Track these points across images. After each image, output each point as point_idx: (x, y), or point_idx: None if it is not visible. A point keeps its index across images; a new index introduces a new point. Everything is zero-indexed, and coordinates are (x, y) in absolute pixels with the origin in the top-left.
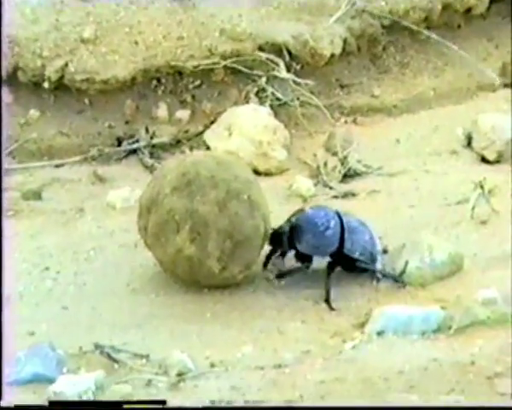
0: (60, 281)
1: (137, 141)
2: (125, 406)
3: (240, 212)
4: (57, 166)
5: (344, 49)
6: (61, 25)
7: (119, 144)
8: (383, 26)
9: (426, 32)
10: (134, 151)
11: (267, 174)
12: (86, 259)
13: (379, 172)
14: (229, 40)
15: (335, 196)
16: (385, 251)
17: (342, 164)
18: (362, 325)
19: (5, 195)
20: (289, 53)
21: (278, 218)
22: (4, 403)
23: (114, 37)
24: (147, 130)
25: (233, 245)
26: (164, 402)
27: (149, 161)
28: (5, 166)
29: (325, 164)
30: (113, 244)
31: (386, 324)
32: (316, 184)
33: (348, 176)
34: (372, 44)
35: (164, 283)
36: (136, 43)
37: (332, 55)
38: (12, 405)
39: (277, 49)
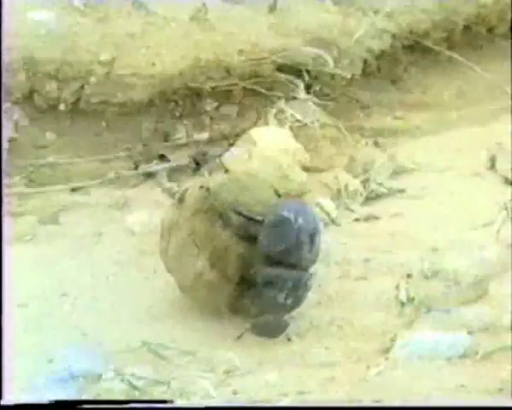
0: (78, 307)
1: (156, 164)
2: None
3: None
4: (74, 189)
5: (364, 69)
6: (77, 47)
7: (137, 167)
8: (404, 47)
9: (447, 53)
10: (152, 174)
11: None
12: (105, 284)
13: (401, 195)
14: (248, 61)
15: (357, 219)
16: (409, 275)
17: (364, 186)
18: (387, 351)
19: (22, 219)
20: (309, 74)
21: None
22: (4, 402)
23: (131, 58)
24: (161, 156)
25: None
26: (165, 402)
27: (168, 184)
28: (20, 189)
29: (346, 187)
30: (133, 269)
31: (412, 349)
32: (337, 207)
33: (370, 199)
34: (392, 65)
35: (184, 308)
36: (154, 64)
37: (352, 76)
38: (12, 403)
39: (297, 70)
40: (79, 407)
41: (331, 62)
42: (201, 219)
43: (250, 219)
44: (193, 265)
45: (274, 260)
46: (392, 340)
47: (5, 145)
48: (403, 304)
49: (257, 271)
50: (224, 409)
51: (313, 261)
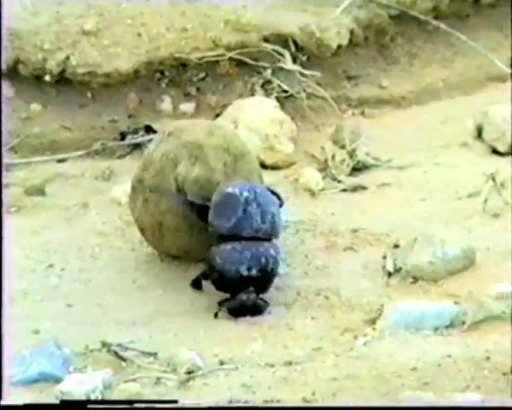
0: (65, 278)
1: (141, 135)
2: (137, 405)
3: (228, 133)
4: (60, 160)
5: (351, 39)
6: (62, 17)
7: (123, 138)
8: (390, 17)
9: (434, 22)
10: (138, 145)
11: (274, 168)
12: (91, 255)
13: (388, 165)
14: (234, 31)
15: (344, 190)
16: (396, 245)
17: (351, 157)
18: (373, 321)
19: (8, 191)
20: (295, 44)
21: (286, 212)
22: (4, 402)
23: (117, 29)
24: (146, 129)
25: (233, 159)
26: (176, 401)
27: None
28: (6, 161)
29: (333, 157)
30: (119, 240)
31: (399, 319)
32: (324, 178)
33: (357, 169)
34: (379, 35)
35: (171, 279)
36: (139, 35)
37: (339, 46)
38: (12, 404)
39: (283, 41)
40: (83, 407)
41: (317, 32)
42: (168, 142)
43: (199, 205)
44: (175, 175)
45: (228, 238)
46: (379, 310)
47: None
48: (390, 274)
49: (213, 252)
50: (225, 409)
51: (271, 232)
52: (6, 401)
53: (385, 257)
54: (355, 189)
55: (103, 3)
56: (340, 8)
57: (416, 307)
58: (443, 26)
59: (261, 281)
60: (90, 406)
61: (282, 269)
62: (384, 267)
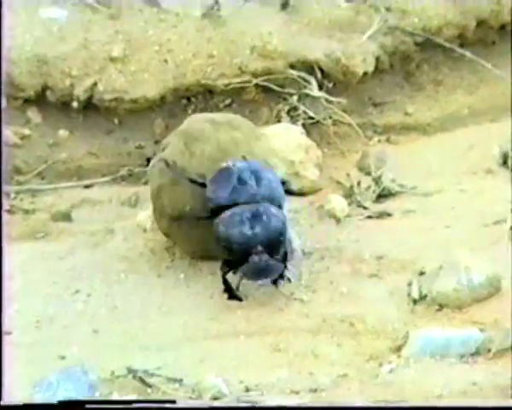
0: (91, 303)
1: None
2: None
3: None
4: (86, 186)
5: (376, 66)
6: (89, 43)
7: (149, 164)
8: (416, 44)
9: (459, 50)
10: None
11: (299, 194)
12: (117, 281)
13: (413, 192)
14: (260, 58)
15: (369, 216)
16: (421, 272)
17: (376, 183)
18: (399, 349)
19: (34, 216)
20: (321, 71)
21: (311, 239)
22: (4, 402)
23: (143, 55)
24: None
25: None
26: (174, 401)
27: None
28: (33, 186)
29: (358, 183)
30: (144, 266)
31: (424, 347)
32: (349, 204)
33: (382, 196)
34: (405, 62)
35: (197, 304)
36: (166, 61)
37: (364, 73)
38: (12, 403)
39: (309, 67)
40: (81, 407)
41: (343, 59)
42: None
43: (198, 183)
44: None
45: (226, 208)
46: (405, 337)
47: (18, 142)
48: (415, 301)
49: (216, 223)
50: (226, 409)
51: (269, 196)
52: (6, 402)
53: (410, 284)
54: (380, 215)
55: (130, 30)
56: (366, 34)
57: (441, 334)
58: (468, 53)
59: (268, 240)
60: (87, 406)
61: (306, 296)
62: (409, 294)
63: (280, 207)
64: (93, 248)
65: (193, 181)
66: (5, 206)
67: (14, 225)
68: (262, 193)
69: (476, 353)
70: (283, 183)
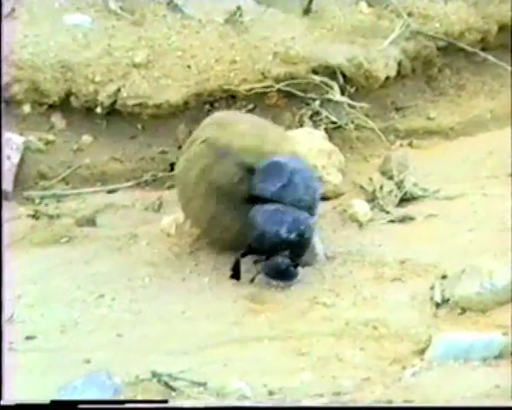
0: (115, 308)
1: None
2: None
3: None
4: (110, 191)
5: (399, 71)
6: (113, 49)
7: (173, 169)
8: (438, 48)
9: (482, 54)
10: None
11: (322, 198)
12: (141, 285)
13: (436, 196)
14: (283, 63)
15: (392, 221)
16: (444, 276)
17: (398, 188)
18: (422, 352)
19: (59, 221)
20: (343, 76)
21: (334, 243)
22: (4, 402)
23: (167, 61)
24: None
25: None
26: (166, 401)
27: None
28: (57, 192)
29: (381, 188)
30: (168, 270)
31: (447, 350)
32: (372, 209)
33: (404, 200)
34: (427, 66)
35: (220, 309)
36: (189, 67)
37: (387, 78)
38: (12, 403)
39: (331, 72)
40: (79, 406)
41: (365, 64)
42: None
43: (246, 168)
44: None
45: (270, 202)
46: (428, 341)
47: (42, 148)
48: (438, 305)
49: (255, 211)
50: (224, 409)
51: (311, 205)
52: (6, 402)
53: (433, 288)
54: (403, 219)
55: (153, 36)
56: (388, 39)
57: (464, 337)
58: (490, 57)
59: (297, 247)
60: (80, 406)
61: (329, 299)
62: (432, 298)
63: (313, 214)
64: (117, 252)
65: (241, 165)
66: (30, 211)
67: (38, 230)
68: (306, 201)
69: (499, 356)
70: None
